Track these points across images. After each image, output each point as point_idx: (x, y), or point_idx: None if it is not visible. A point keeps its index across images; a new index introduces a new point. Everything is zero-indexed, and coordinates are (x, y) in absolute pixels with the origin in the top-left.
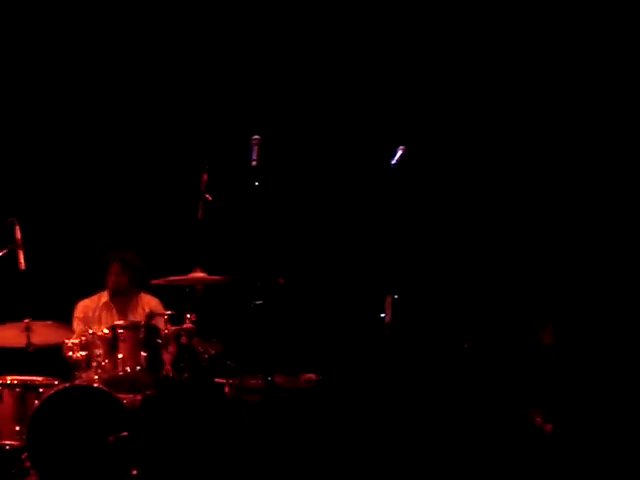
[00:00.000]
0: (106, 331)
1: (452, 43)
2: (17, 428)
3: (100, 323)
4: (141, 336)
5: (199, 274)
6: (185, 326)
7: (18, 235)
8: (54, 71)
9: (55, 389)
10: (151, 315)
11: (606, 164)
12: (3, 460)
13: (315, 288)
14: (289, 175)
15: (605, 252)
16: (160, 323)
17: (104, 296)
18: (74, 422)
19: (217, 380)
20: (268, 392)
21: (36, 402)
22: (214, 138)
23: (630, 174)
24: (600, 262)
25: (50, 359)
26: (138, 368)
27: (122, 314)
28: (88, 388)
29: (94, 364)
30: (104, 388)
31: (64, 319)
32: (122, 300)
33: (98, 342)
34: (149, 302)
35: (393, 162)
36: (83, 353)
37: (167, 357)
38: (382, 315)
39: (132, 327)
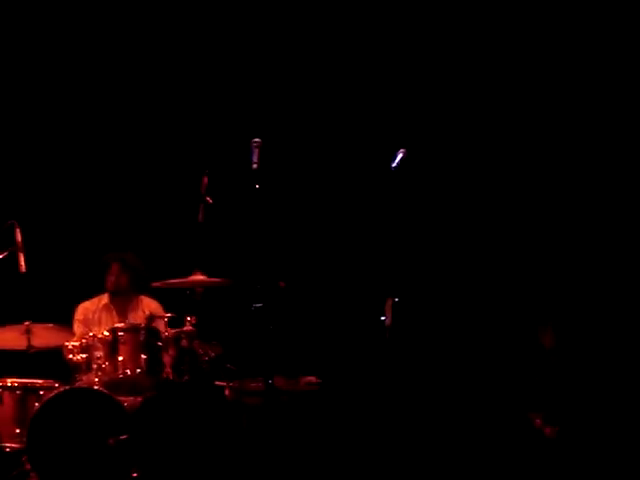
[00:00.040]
0: (106, 334)
1: (452, 47)
2: (17, 430)
3: (100, 325)
4: (141, 339)
5: (199, 277)
6: (185, 329)
7: (19, 238)
8: (54, 74)
9: (55, 392)
10: (151, 318)
11: (605, 168)
12: (3, 462)
13: (315, 291)
14: (290, 178)
15: (605, 254)
16: (160, 326)
17: (104, 298)
18: (74, 425)
19: (217, 383)
20: (268, 395)
21: (36, 404)
22: (215, 141)
23: (630, 177)
24: (600, 264)
25: (50, 362)
26: (138, 371)
27: (122, 316)
28: (88, 391)
29: (94, 367)
30: (104, 391)
31: (64, 321)
32: (122, 302)
33: (98, 345)
34: (149, 304)
35: (393, 165)
36: (83, 355)
37: (167, 360)
38: (382, 318)
39: (132, 330)
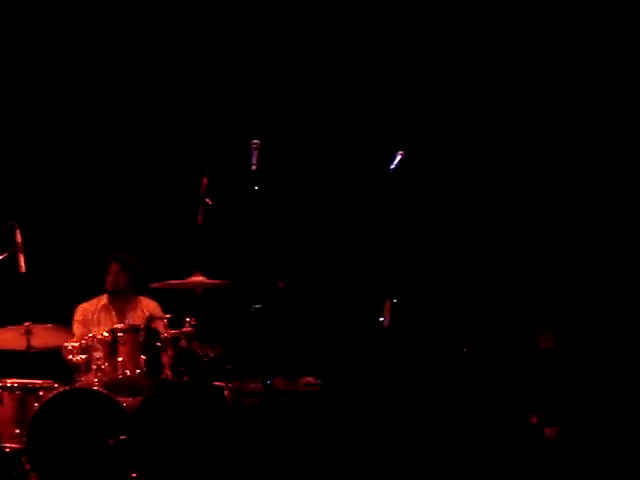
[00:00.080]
0: (106, 334)
1: (450, 49)
2: (17, 431)
3: (99, 325)
4: (141, 339)
5: (199, 278)
6: (185, 330)
7: (19, 239)
8: (55, 75)
9: (55, 392)
10: (151, 318)
11: (605, 169)
12: (3, 463)
13: (314, 292)
14: (289, 179)
15: (605, 256)
16: (159, 326)
17: (103, 299)
18: (74, 425)
19: (216, 384)
20: (267, 396)
21: (36, 405)
22: (214, 142)
23: (630, 179)
24: (600, 266)
25: (50, 362)
26: (138, 371)
27: (121, 316)
28: (88, 391)
29: (94, 367)
30: (104, 391)
31: (64, 322)
32: (121, 302)
33: (98, 345)
34: (148, 305)
35: (392, 167)
36: (83, 356)
37: (166, 360)
38: (381, 319)
39: (132, 330)
